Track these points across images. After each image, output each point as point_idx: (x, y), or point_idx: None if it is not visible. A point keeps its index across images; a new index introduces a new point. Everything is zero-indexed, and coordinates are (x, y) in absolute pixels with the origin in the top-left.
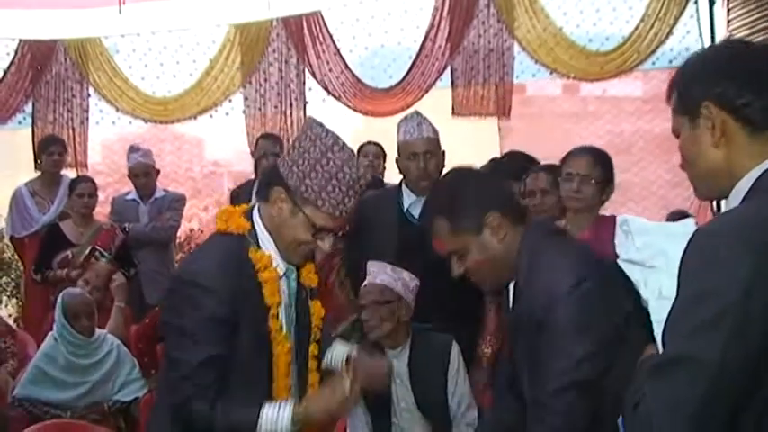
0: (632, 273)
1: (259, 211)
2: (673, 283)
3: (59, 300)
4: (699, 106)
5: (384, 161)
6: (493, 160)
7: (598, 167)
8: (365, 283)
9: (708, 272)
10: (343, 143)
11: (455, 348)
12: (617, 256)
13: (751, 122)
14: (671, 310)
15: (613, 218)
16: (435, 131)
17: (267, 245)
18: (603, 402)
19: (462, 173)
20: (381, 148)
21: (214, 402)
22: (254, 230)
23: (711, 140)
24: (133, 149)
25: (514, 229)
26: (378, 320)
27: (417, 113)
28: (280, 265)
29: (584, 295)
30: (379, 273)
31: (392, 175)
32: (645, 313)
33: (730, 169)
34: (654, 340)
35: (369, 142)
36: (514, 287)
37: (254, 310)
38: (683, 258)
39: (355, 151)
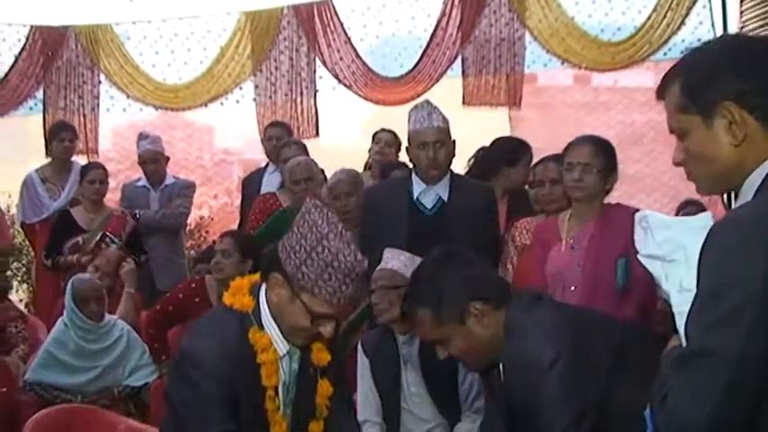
0: (654, 267)
1: (265, 289)
2: (692, 275)
3: (69, 285)
4: (716, 106)
5: (399, 149)
6: (481, 149)
7: (599, 156)
8: (378, 268)
9: (726, 265)
10: (340, 230)
11: None
12: (634, 250)
13: (766, 118)
14: (692, 304)
15: (622, 207)
16: (446, 120)
17: (269, 325)
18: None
19: (445, 260)
20: (396, 136)
21: None
22: (259, 309)
23: (732, 140)
24: (142, 137)
25: (497, 313)
26: (387, 304)
27: (428, 102)
28: (280, 346)
29: (561, 372)
30: (392, 259)
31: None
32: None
33: (743, 164)
34: (677, 332)
35: (383, 129)
36: (502, 366)
37: (252, 390)
38: (701, 253)
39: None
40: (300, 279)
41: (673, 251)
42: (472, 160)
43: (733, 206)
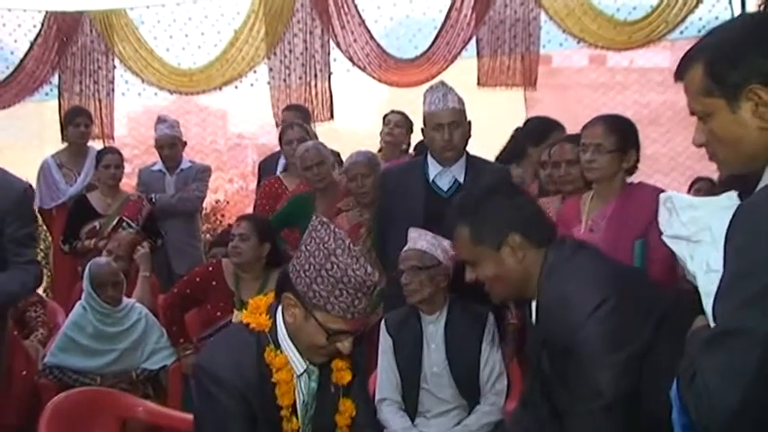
0: (679, 248)
1: (281, 309)
2: (719, 256)
3: (86, 270)
4: (742, 89)
5: (411, 131)
6: (517, 129)
7: (612, 136)
8: (405, 248)
9: (755, 247)
10: (348, 245)
11: (491, 318)
12: (654, 229)
13: None
14: (719, 285)
15: (645, 186)
16: (461, 102)
17: (286, 344)
18: (641, 404)
19: (496, 187)
20: (406, 117)
21: None
22: (275, 328)
23: (760, 122)
24: (160, 120)
25: (536, 251)
26: (417, 285)
27: (443, 84)
28: (297, 365)
29: (606, 316)
30: (420, 239)
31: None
32: (694, 295)
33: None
34: (703, 312)
35: (393, 111)
36: (537, 305)
37: (269, 409)
38: (727, 233)
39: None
40: (312, 297)
41: (698, 232)
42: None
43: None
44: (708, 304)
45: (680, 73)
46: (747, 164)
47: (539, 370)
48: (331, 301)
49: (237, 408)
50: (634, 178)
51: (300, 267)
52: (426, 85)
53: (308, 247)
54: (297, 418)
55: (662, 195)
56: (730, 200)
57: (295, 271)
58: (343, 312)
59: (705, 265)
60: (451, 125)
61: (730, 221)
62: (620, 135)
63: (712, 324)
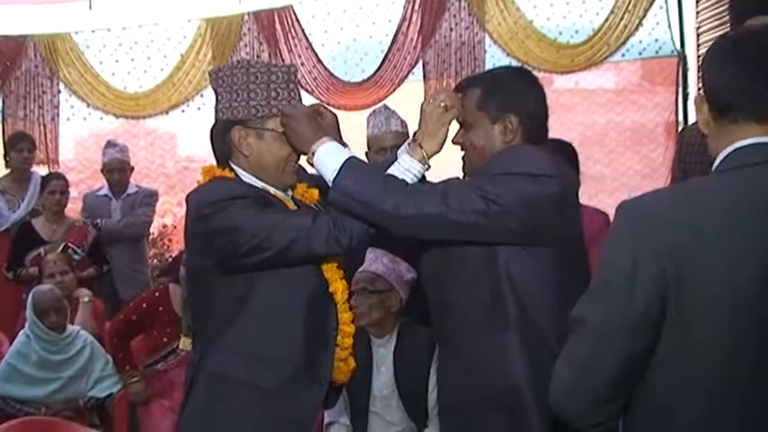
0: None
1: (231, 164)
2: None
3: (30, 297)
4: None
5: None
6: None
7: None
8: (360, 269)
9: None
10: (251, 59)
11: None
12: (597, 250)
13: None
14: None
15: (585, 207)
16: (404, 125)
17: (256, 185)
18: None
19: (526, 73)
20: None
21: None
22: (239, 178)
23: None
24: (110, 144)
25: (523, 143)
26: (367, 308)
27: (386, 107)
28: (277, 193)
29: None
30: (376, 261)
31: None
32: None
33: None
34: None
35: None
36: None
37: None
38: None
39: None
40: (256, 113)
41: None
42: None
43: None
44: None
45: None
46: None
47: None
48: (272, 103)
49: (258, 202)
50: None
51: (228, 102)
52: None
53: (224, 84)
54: None
55: (621, 204)
56: None
57: (225, 110)
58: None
59: None
60: (394, 148)
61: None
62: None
63: None
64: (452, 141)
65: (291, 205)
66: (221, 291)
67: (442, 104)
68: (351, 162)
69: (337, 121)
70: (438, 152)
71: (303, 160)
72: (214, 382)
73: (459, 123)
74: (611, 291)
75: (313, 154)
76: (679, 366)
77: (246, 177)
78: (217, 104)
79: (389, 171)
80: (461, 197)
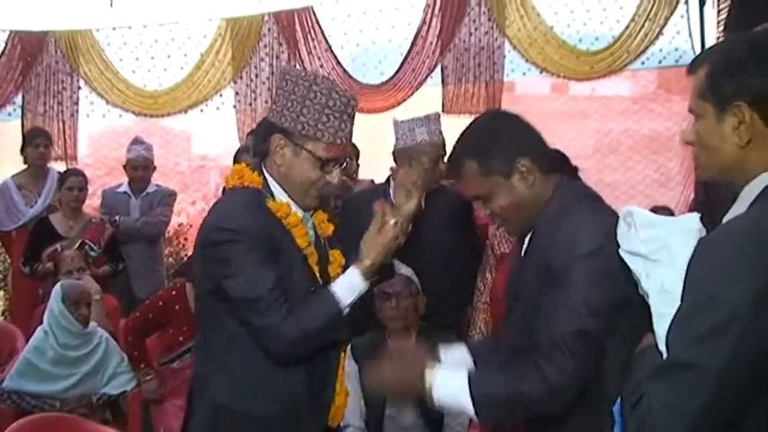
0: (635, 264)
1: (265, 166)
2: (675, 278)
3: (57, 289)
4: (730, 103)
5: (357, 159)
6: None
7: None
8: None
9: (717, 279)
10: (324, 76)
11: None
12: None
13: None
14: (677, 314)
15: None
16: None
17: (281, 196)
18: (603, 369)
19: (496, 116)
20: (354, 146)
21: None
22: (267, 183)
23: (737, 140)
24: (137, 141)
25: (544, 177)
26: (403, 311)
27: (438, 115)
28: (297, 212)
29: (602, 261)
30: (399, 265)
31: (367, 173)
32: (644, 302)
33: (744, 166)
34: (652, 330)
35: None
36: (532, 235)
37: (287, 254)
38: (689, 264)
39: None
40: (301, 129)
41: (656, 251)
42: None
43: (730, 210)
44: (657, 323)
45: (692, 68)
46: (720, 175)
47: (515, 302)
48: (320, 127)
49: (258, 249)
50: None
51: (282, 107)
52: (392, 112)
53: (286, 88)
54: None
55: (623, 209)
56: (692, 222)
57: (277, 113)
58: (332, 137)
59: (660, 284)
60: (440, 158)
61: (693, 252)
62: None
63: (661, 345)
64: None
65: (304, 237)
66: (222, 317)
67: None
68: (473, 389)
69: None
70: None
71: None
72: (216, 412)
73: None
74: (733, 329)
75: (430, 391)
76: None
77: (273, 186)
78: (272, 103)
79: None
80: (556, 367)
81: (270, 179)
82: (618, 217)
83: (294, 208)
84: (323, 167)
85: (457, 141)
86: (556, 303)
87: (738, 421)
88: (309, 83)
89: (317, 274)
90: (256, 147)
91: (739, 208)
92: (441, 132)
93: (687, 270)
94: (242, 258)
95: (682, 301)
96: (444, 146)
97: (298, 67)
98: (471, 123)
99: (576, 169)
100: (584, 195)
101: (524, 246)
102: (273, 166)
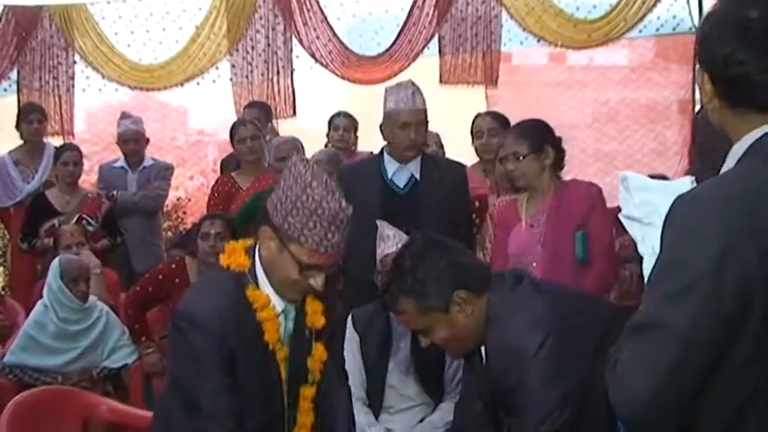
0: (632, 229)
1: (259, 249)
2: None
3: (55, 264)
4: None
5: (356, 132)
6: None
7: (524, 141)
8: (387, 252)
9: (684, 241)
10: (325, 179)
11: None
12: (592, 221)
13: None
14: (650, 273)
15: (578, 182)
16: (425, 102)
17: (264, 283)
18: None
19: (426, 247)
20: (351, 117)
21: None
22: (254, 268)
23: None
24: (124, 116)
25: (480, 300)
26: None
27: (411, 82)
28: (276, 304)
29: (547, 355)
30: (400, 240)
31: (365, 144)
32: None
33: (735, 129)
34: None
35: (338, 114)
36: (484, 350)
37: (251, 348)
38: (664, 222)
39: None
40: (288, 229)
41: (649, 214)
42: None
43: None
44: None
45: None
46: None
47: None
48: (305, 233)
49: (213, 348)
50: (587, 175)
51: (278, 200)
52: (388, 83)
53: (287, 181)
54: (285, 347)
55: (620, 174)
56: (684, 185)
57: (272, 204)
58: (316, 245)
59: (651, 248)
60: (418, 124)
61: (669, 209)
62: (531, 137)
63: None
64: None
65: (274, 333)
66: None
67: None
68: None
69: None
70: None
71: None
72: None
73: None
74: (699, 291)
75: None
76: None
77: (260, 272)
78: (275, 190)
79: None
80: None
81: (258, 264)
82: (550, 296)
83: (274, 300)
84: (303, 271)
85: (390, 277)
86: (519, 413)
87: (708, 379)
88: (305, 184)
89: (283, 371)
90: (252, 223)
91: (728, 167)
92: (413, 98)
93: (662, 229)
94: (193, 351)
95: (656, 259)
96: (425, 113)
97: (303, 162)
98: (399, 259)
99: (559, 140)
100: (510, 290)
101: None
102: (261, 253)
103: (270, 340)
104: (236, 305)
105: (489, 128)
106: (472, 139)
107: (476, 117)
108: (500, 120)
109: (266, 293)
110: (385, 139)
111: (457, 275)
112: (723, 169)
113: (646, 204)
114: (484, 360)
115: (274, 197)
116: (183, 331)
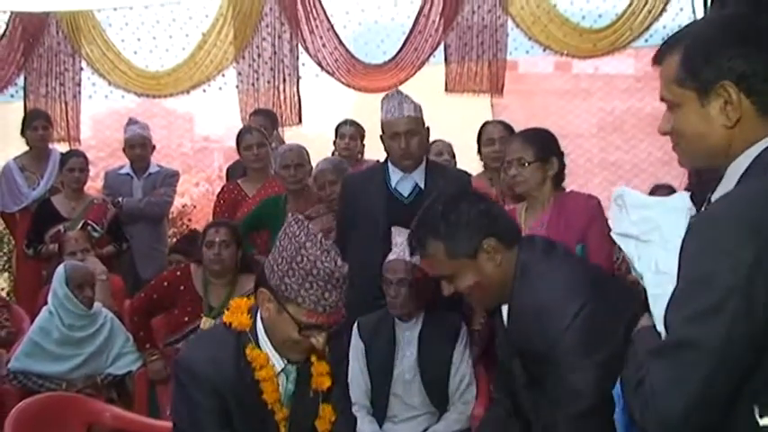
0: (627, 247)
1: (256, 315)
2: (668, 258)
3: (60, 271)
4: (714, 85)
5: (362, 140)
6: None
7: (530, 148)
8: (392, 257)
9: (710, 256)
10: (319, 239)
11: (464, 327)
12: (591, 234)
13: (765, 101)
14: (673, 293)
15: (577, 194)
16: (418, 109)
17: (264, 343)
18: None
19: (458, 196)
20: (358, 125)
21: None
22: (255, 327)
23: (725, 121)
24: (131, 122)
25: (509, 252)
26: (405, 298)
27: (398, 92)
28: (276, 363)
29: (584, 323)
30: (407, 248)
31: (373, 153)
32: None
33: (730, 146)
34: (649, 311)
35: (345, 122)
36: (509, 309)
37: (250, 405)
38: (683, 241)
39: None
40: (284, 290)
41: (648, 231)
42: None
43: (716, 190)
44: (654, 304)
45: (658, 58)
46: (706, 160)
47: (509, 372)
48: (301, 293)
49: (210, 402)
50: (592, 185)
51: (274, 262)
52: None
53: (282, 243)
54: (285, 408)
55: (615, 191)
56: (682, 201)
57: (269, 266)
58: (314, 305)
59: (653, 265)
60: (407, 133)
61: (686, 231)
62: (538, 146)
63: (659, 326)
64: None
65: (272, 393)
66: None
67: None
68: None
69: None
70: None
71: None
72: None
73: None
74: (729, 307)
75: None
76: None
77: (260, 332)
78: (271, 251)
79: None
80: None
81: (259, 324)
82: (585, 266)
83: (273, 360)
84: (303, 331)
85: (420, 221)
86: (553, 385)
87: (736, 399)
88: (299, 245)
89: (283, 431)
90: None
91: (726, 185)
92: (400, 107)
93: (681, 249)
94: (191, 404)
95: (678, 280)
96: (416, 121)
97: (297, 222)
98: (431, 204)
99: (563, 154)
100: (541, 253)
101: (504, 318)
102: (262, 315)
103: (268, 400)
104: (235, 363)
105: (501, 135)
106: (479, 146)
107: (485, 124)
108: (509, 129)
109: (265, 353)
110: (385, 149)
111: (488, 224)
112: (724, 182)
113: (645, 221)
114: (506, 319)
115: (270, 259)
116: (182, 384)
